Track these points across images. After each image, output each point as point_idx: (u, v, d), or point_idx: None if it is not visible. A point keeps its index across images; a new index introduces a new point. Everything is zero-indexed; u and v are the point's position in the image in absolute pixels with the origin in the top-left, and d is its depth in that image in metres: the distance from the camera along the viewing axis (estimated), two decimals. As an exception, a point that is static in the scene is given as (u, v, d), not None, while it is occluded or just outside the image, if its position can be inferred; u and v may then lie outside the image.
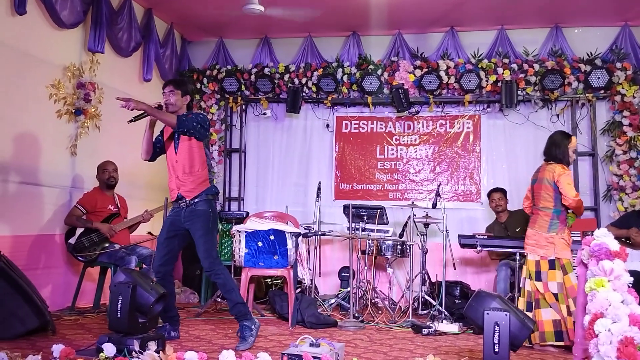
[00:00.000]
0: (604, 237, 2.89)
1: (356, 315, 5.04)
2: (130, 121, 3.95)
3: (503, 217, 5.90)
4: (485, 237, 5.33)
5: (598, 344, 2.50)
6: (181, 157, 4.00)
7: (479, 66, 6.42)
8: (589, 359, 2.59)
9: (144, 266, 5.01)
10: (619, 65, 6.15)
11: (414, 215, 5.56)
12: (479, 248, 5.18)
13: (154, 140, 4.11)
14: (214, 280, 4.02)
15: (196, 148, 3.99)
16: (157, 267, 4.07)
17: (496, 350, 3.06)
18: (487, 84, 6.40)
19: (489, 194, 6.02)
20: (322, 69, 6.78)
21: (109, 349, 3.18)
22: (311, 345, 3.21)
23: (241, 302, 3.97)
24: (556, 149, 4.38)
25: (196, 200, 3.98)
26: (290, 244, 4.76)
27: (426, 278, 5.75)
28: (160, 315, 4.06)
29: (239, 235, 4.82)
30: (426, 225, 5.77)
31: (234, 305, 3.94)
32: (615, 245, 2.85)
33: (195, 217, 3.98)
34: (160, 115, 3.90)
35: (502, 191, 5.95)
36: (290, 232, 4.79)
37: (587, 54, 6.29)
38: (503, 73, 6.34)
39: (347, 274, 5.86)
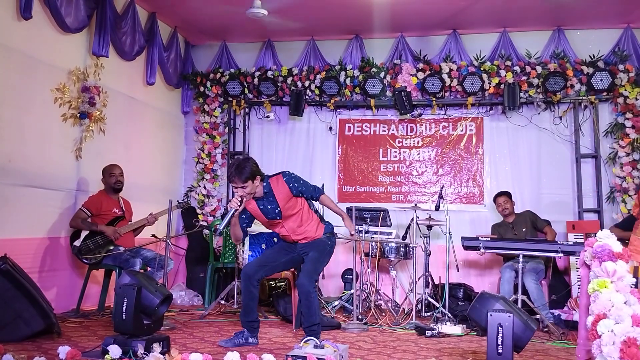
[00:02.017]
0: (607, 239, 2.89)
1: (360, 317, 5.05)
2: (221, 230, 3.86)
3: (510, 219, 5.90)
4: (489, 239, 5.33)
5: (601, 344, 2.51)
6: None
7: (482, 69, 6.42)
8: (592, 360, 2.60)
9: (149, 269, 5.04)
10: (621, 67, 6.16)
11: (417, 217, 5.57)
12: (482, 250, 5.18)
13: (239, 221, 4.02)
14: (304, 299, 3.92)
15: (296, 199, 4.04)
16: (251, 267, 4.03)
17: (499, 351, 3.06)
18: (490, 87, 6.41)
19: (494, 199, 6.02)
20: (325, 72, 6.79)
21: (115, 350, 3.20)
22: (315, 347, 3.22)
23: (318, 323, 3.95)
24: None
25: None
26: (294, 246, 4.77)
27: (429, 280, 5.77)
28: (240, 319, 4.06)
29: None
30: (429, 227, 5.78)
31: (311, 325, 3.92)
32: (618, 247, 2.86)
33: (313, 243, 4.07)
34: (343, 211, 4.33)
35: (507, 194, 5.95)
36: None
37: (590, 56, 6.30)
38: (506, 75, 6.35)
39: (351, 276, 5.87)
